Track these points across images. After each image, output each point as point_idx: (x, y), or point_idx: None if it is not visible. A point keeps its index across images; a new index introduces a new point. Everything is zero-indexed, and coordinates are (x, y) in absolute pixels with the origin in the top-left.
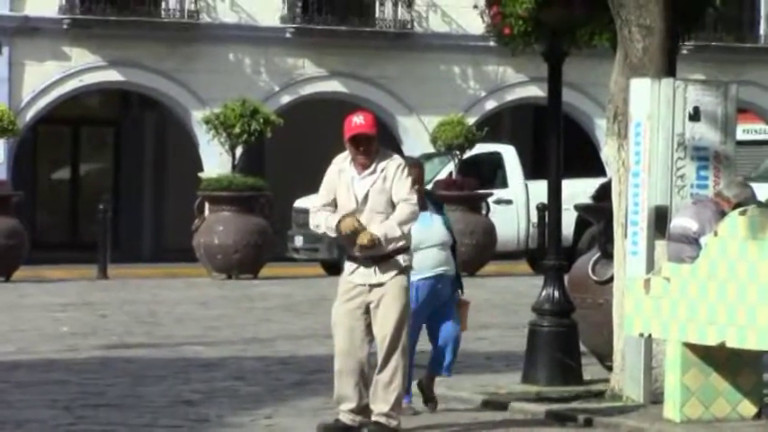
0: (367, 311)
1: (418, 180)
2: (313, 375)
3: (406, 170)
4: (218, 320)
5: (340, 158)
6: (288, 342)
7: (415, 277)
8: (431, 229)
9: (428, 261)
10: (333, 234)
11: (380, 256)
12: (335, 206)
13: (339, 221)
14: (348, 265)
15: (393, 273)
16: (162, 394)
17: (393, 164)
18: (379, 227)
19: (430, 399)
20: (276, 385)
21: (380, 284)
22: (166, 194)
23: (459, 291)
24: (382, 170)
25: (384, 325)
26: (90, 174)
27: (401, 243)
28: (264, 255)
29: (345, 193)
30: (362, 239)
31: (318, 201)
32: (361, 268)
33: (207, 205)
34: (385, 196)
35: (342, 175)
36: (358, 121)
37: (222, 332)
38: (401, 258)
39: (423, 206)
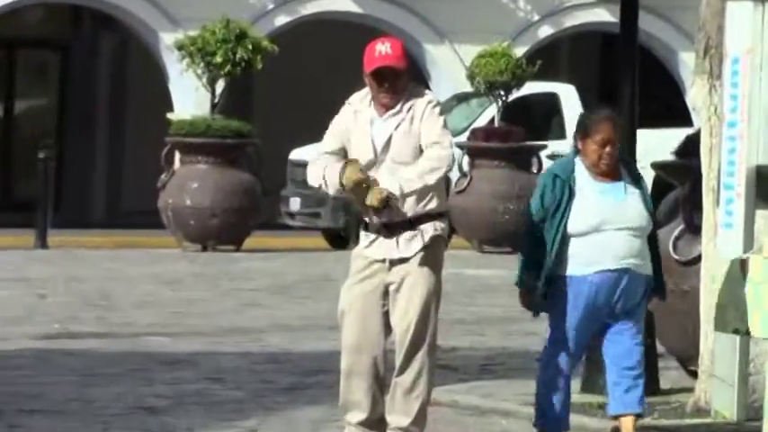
0: (386, 295)
1: (610, 140)
2: (311, 377)
3: (437, 108)
4: (190, 305)
5: (356, 98)
6: (279, 334)
7: (589, 269)
8: (623, 206)
9: (612, 248)
10: (334, 191)
11: (405, 222)
12: (344, 157)
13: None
14: (364, 236)
15: (421, 245)
16: (116, 398)
17: (422, 101)
18: (391, 179)
19: None
20: (263, 389)
21: (404, 260)
22: (125, 141)
23: (659, 297)
24: (409, 109)
25: (407, 312)
26: (28, 112)
27: (432, 204)
28: (251, 221)
29: (362, 139)
30: (371, 199)
31: (320, 148)
32: (381, 239)
33: (177, 155)
34: (412, 142)
35: (358, 117)
36: (383, 49)
37: (194, 320)
38: (432, 226)
39: (615, 174)
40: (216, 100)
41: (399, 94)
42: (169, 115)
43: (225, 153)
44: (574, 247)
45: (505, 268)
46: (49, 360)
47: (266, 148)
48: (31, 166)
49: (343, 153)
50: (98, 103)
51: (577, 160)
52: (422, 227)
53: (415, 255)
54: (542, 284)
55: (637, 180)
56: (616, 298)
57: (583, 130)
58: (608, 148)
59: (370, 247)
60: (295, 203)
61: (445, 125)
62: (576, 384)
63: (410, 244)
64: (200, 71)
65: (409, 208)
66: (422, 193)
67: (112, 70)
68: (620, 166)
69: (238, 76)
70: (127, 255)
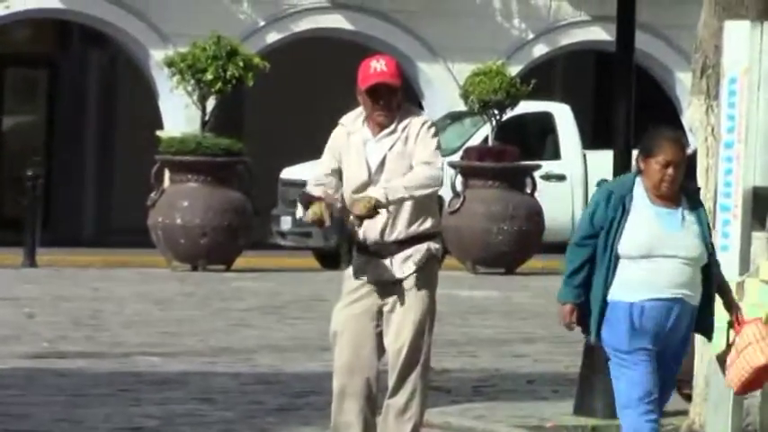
0: (379, 316)
1: (673, 162)
2: (302, 398)
3: (432, 129)
4: (180, 325)
5: (349, 118)
6: (270, 354)
7: (638, 296)
8: (678, 235)
9: (665, 276)
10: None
11: (398, 242)
12: (340, 178)
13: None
14: (356, 257)
15: (415, 266)
16: (105, 419)
17: (417, 120)
18: (377, 188)
19: None
20: (254, 410)
21: (398, 281)
22: (114, 158)
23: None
24: (404, 129)
25: (400, 333)
26: (16, 129)
27: (426, 224)
28: (241, 240)
29: (356, 160)
30: (359, 208)
31: (318, 170)
32: (373, 260)
33: (167, 173)
34: (406, 162)
35: (351, 138)
36: (378, 67)
37: (184, 340)
38: (426, 246)
39: (676, 200)
40: (206, 117)
41: (394, 112)
42: (159, 133)
43: (215, 171)
44: (624, 271)
45: (499, 289)
46: (37, 380)
47: (257, 167)
48: (18, 184)
49: (338, 174)
50: (87, 120)
51: (638, 180)
52: (415, 247)
53: (408, 276)
54: (596, 310)
55: (696, 209)
56: (669, 326)
57: (646, 150)
58: (670, 170)
59: (363, 267)
60: (286, 223)
61: (438, 147)
62: (567, 406)
63: (404, 265)
64: (190, 88)
65: (402, 228)
66: (415, 214)
67: (101, 87)
68: (680, 193)
69: (229, 93)
70: (116, 274)
